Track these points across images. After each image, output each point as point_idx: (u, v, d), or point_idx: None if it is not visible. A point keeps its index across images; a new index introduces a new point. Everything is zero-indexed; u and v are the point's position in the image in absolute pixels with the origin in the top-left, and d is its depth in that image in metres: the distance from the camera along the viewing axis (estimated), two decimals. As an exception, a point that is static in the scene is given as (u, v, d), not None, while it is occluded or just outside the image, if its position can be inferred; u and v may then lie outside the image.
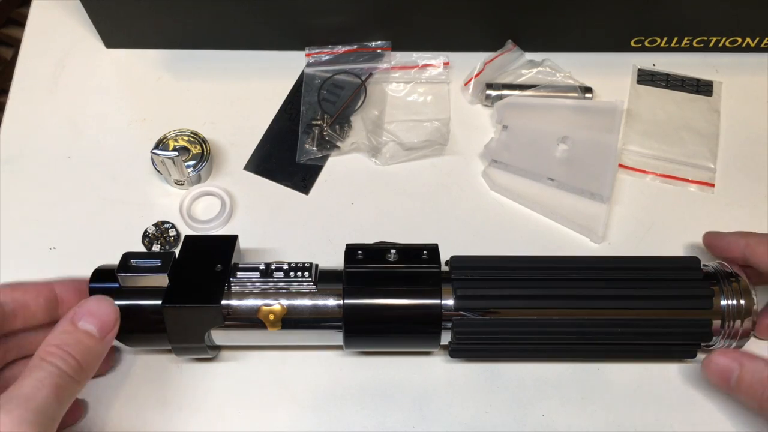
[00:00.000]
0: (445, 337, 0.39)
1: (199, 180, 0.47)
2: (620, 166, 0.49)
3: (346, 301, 0.38)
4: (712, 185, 0.49)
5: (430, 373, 0.42)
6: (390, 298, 0.38)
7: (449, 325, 0.39)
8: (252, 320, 0.38)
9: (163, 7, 0.49)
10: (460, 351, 0.41)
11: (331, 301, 0.38)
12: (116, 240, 0.45)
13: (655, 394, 0.41)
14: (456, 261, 0.40)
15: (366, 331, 0.39)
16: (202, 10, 0.49)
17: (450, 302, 0.38)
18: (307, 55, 0.52)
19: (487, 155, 0.49)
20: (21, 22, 1.08)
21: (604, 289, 0.39)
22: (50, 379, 0.31)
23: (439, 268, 0.39)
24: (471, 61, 0.52)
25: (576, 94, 0.50)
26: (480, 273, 0.40)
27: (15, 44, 1.21)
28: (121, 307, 0.35)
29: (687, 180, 0.49)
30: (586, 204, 0.47)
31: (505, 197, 0.48)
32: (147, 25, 0.51)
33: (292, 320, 0.38)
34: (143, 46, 0.53)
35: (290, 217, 0.47)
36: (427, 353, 0.42)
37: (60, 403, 0.31)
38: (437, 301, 0.38)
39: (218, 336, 0.39)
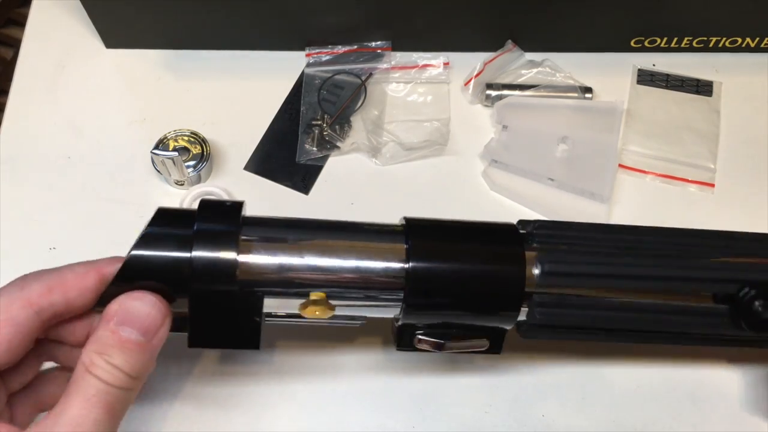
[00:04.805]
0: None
1: (199, 180, 0.47)
2: (620, 166, 0.49)
3: (412, 264, 0.32)
4: (712, 185, 0.49)
5: (430, 373, 0.42)
6: (465, 263, 0.33)
7: (532, 298, 0.33)
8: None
9: (163, 7, 0.49)
10: (539, 328, 0.35)
11: (393, 263, 0.32)
12: (116, 240, 0.45)
13: (655, 394, 0.41)
14: (540, 225, 0.35)
15: (433, 306, 0.34)
16: (202, 10, 0.49)
17: (535, 271, 0.33)
18: (307, 55, 0.52)
19: (487, 155, 0.49)
20: (21, 22, 1.08)
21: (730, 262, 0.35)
22: (99, 397, 0.29)
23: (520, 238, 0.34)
24: (471, 61, 0.52)
25: (576, 94, 0.50)
26: (568, 238, 0.35)
27: (15, 44, 1.21)
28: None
29: (687, 180, 0.49)
30: (586, 204, 0.47)
31: (505, 197, 0.48)
32: (147, 25, 0.51)
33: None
34: (143, 46, 0.53)
35: (290, 217, 0.47)
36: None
37: (113, 417, 0.29)
38: (520, 268, 0.33)
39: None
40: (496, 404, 0.41)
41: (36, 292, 0.30)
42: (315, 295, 0.33)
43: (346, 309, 0.34)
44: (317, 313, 0.33)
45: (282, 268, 0.32)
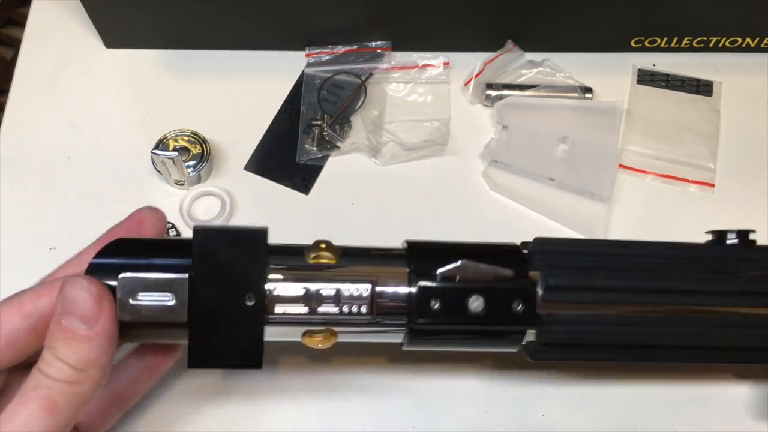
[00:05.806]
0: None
1: (199, 180, 0.47)
2: (620, 166, 0.49)
3: (415, 289, 0.32)
4: (712, 185, 0.49)
5: (431, 373, 0.42)
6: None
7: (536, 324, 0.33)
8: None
9: (163, 7, 0.49)
10: (545, 353, 0.35)
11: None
12: (116, 240, 0.45)
13: (655, 394, 0.41)
14: (539, 242, 0.35)
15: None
16: (202, 10, 0.49)
17: (539, 291, 0.33)
18: (307, 55, 0.52)
19: (487, 155, 0.49)
20: (21, 22, 1.08)
21: (734, 283, 0.35)
22: (37, 391, 0.27)
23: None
24: (471, 61, 0.52)
25: (576, 94, 0.50)
26: (569, 254, 0.34)
27: (15, 44, 1.21)
28: None
29: (687, 180, 0.49)
30: (586, 204, 0.47)
31: (505, 197, 0.48)
32: (147, 25, 0.51)
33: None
34: (143, 46, 0.53)
35: (290, 217, 0.47)
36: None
37: (54, 413, 0.27)
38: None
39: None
40: (496, 404, 0.41)
41: (26, 299, 0.30)
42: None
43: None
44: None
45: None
